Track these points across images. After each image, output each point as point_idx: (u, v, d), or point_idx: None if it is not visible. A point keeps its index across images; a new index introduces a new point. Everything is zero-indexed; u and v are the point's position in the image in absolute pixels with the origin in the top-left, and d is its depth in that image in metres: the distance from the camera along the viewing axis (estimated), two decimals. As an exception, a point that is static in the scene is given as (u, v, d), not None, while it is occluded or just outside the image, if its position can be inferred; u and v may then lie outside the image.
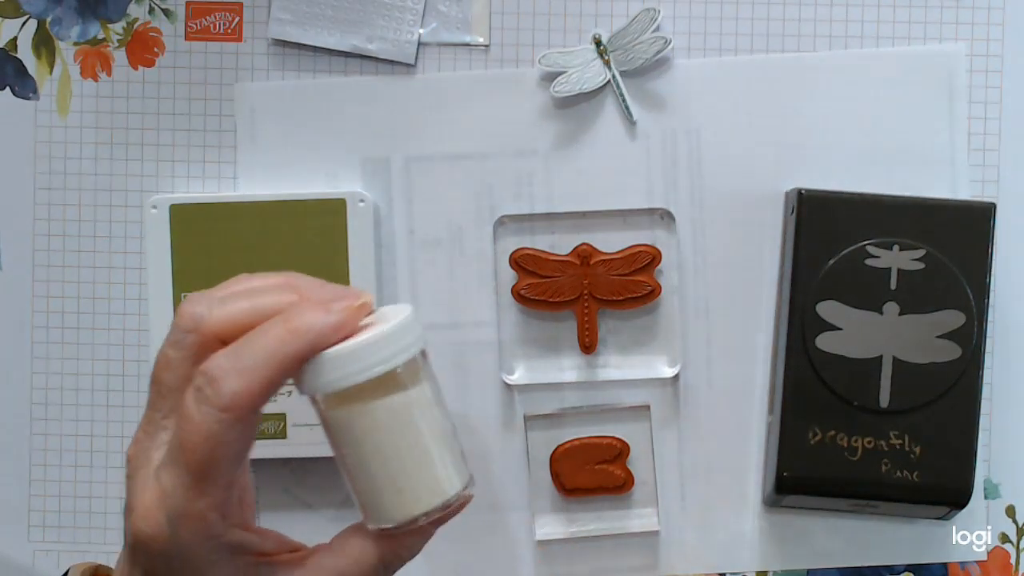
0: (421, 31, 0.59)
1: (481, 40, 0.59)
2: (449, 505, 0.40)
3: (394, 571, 0.42)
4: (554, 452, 0.58)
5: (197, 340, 0.39)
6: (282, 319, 0.39)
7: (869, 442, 0.55)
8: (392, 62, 0.59)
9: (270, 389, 0.39)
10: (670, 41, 0.57)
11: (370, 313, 0.41)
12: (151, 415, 0.40)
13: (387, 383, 0.39)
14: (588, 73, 0.58)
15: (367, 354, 0.38)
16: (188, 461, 0.38)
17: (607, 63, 0.58)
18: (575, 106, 0.59)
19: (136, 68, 0.60)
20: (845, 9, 0.59)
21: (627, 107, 0.58)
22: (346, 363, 0.38)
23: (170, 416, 0.39)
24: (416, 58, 0.59)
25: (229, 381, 0.38)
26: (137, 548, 0.40)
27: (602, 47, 0.58)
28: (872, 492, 0.55)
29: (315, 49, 0.59)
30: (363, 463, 0.40)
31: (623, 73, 0.58)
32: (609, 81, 0.58)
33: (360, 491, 0.41)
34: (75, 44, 0.60)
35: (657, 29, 0.58)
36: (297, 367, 0.39)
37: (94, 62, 0.60)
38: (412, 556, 0.42)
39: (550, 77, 0.58)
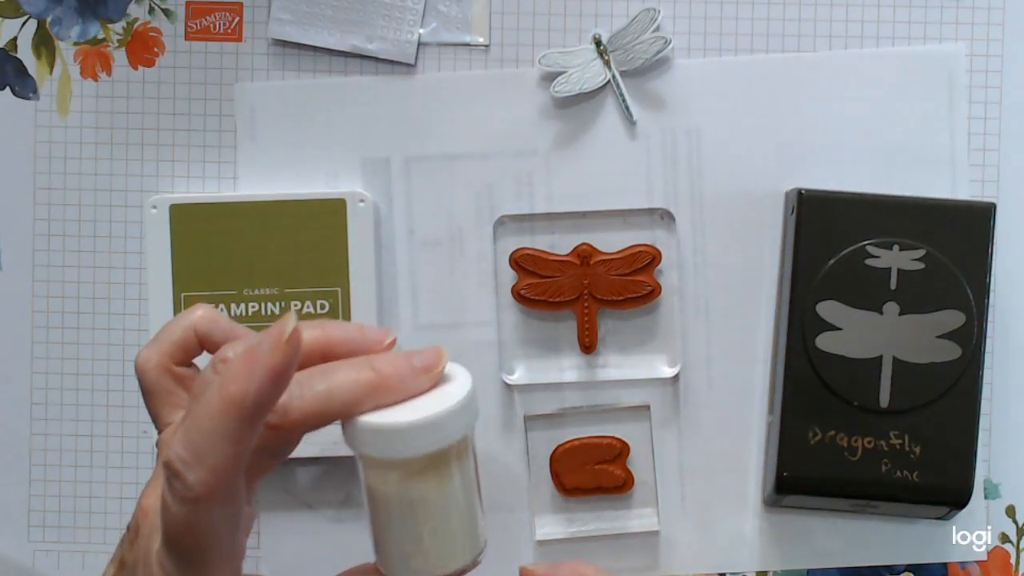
0: (421, 31, 0.59)
1: (481, 40, 0.59)
2: (464, 570, 0.41)
3: None
4: (554, 452, 0.58)
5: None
6: (218, 385, 0.35)
7: (869, 442, 0.55)
8: (392, 62, 0.59)
9: (238, 462, 0.35)
10: (670, 41, 0.57)
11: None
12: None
13: (434, 459, 0.38)
14: (588, 73, 0.58)
15: (419, 434, 0.37)
16: (179, 552, 0.36)
17: (607, 63, 0.58)
18: (575, 106, 0.59)
19: (136, 68, 0.60)
20: (845, 9, 0.59)
21: (627, 107, 0.58)
22: (394, 439, 0.37)
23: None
24: (416, 58, 0.59)
25: (191, 472, 0.35)
26: (139, 537, 0.38)
27: (602, 47, 0.58)
28: (872, 492, 0.55)
29: (315, 49, 0.59)
30: (391, 522, 0.39)
31: (623, 73, 0.58)
32: (609, 81, 0.58)
33: (381, 540, 0.40)
34: (75, 44, 0.60)
35: (657, 29, 0.58)
36: (254, 433, 0.35)
37: (94, 62, 0.60)
38: None
39: (550, 77, 0.58)
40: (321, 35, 0.59)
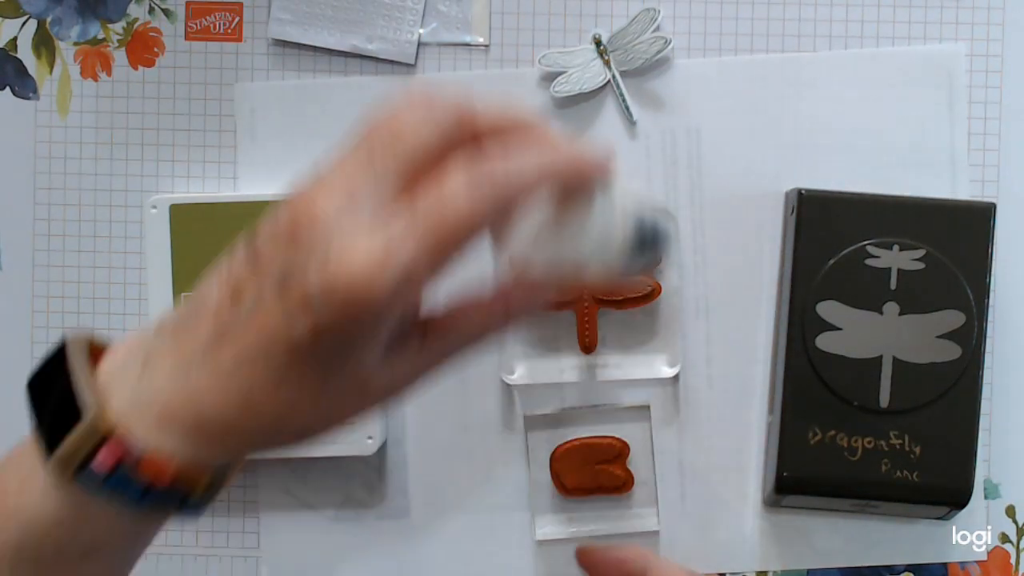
0: (421, 31, 0.59)
1: (481, 40, 0.59)
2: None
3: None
4: (554, 452, 0.58)
5: (458, 119, 0.37)
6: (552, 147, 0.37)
7: (869, 442, 0.55)
8: (392, 62, 0.59)
9: (534, 185, 0.37)
10: (670, 41, 0.57)
11: None
12: (365, 170, 0.36)
13: None
14: (588, 73, 0.58)
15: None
16: (440, 229, 0.35)
17: (607, 63, 0.58)
18: (575, 106, 0.59)
19: (136, 68, 0.60)
20: (845, 9, 0.59)
21: (627, 107, 0.58)
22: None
23: (397, 184, 0.36)
24: (416, 58, 0.59)
25: (511, 170, 0.36)
26: (329, 296, 0.35)
27: (602, 47, 0.58)
28: (872, 492, 0.55)
29: (315, 49, 0.59)
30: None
31: (623, 73, 0.58)
32: (609, 81, 0.58)
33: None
34: (75, 44, 0.60)
35: (657, 29, 0.58)
36: (546, 183, 0.37)
37: (94, 62, 0.60)
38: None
39: (550, 77, 0.58)
40: (321, 35, 0.59)
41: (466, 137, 0.37)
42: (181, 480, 0.38)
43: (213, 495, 0.41)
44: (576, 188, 0.38)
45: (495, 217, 0.37)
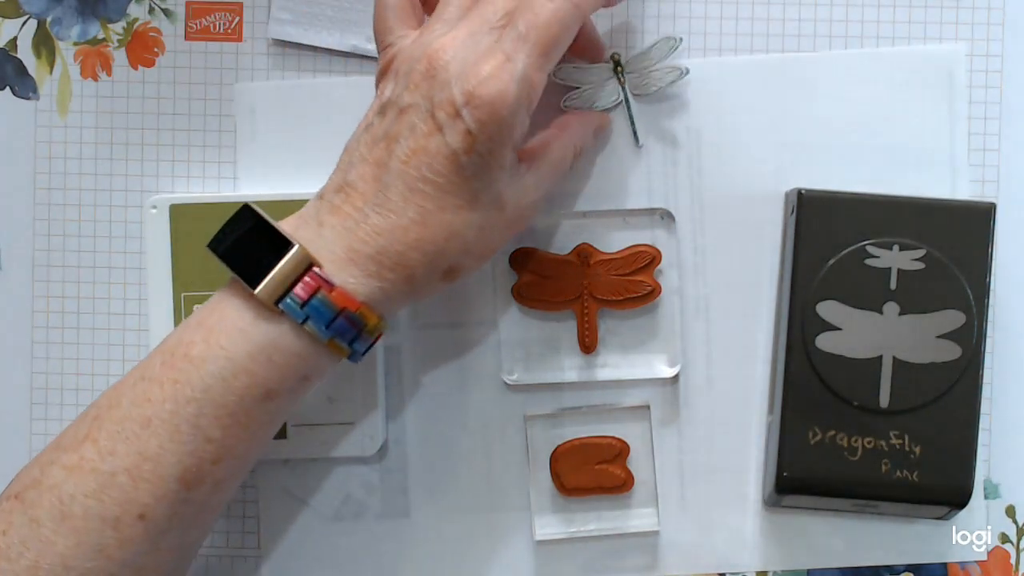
0: (421, 31, 0.59)
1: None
2: None
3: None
4: (554, 452, 0.58)
5: None
6: None
7: (869, 442, 0.55)
8: (392, 62, 0.59)
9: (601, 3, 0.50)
10: (686, 72, 0.57)
11: None
12: (471, 11, 0.48)
13: None
14: (602, 92, 0.58)
15: None
16: (539, 38, 0.47)
17: (622, 84, 0.58)
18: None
19: (136, 68, 0.60)
20: (845, 9, 0.59)
21: (635, 131, 0.58)
22: None
23: (502, 15, 0.47)
24: (416, 58, 0.59)
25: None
26: (475, 106, 0.45)
27: (619, 67, 0.58)
28: (872, 492, 0.55)
29: (315, 49, 0.59)
30: None
31: (635, 96, 0.58)
32: (621, 103, 0.58)
33: None
34: (75, 44, 0.60)
35: (676, 59, 0.58)
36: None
37: (94, 62, 0.60)
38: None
39: (559, 87, 0.58)
40: (321, 35, 0.59)
41: None
42: (363, 311, 0.46)
43: (375, 339, 0.48)
44: None
45: (578, 15, 0.48)
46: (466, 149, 0.46)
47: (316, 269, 0.46)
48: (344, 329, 0.46)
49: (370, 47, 0.58)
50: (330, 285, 0.46)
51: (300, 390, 0.48)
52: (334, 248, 0.46)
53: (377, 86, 0.50)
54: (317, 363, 0.47)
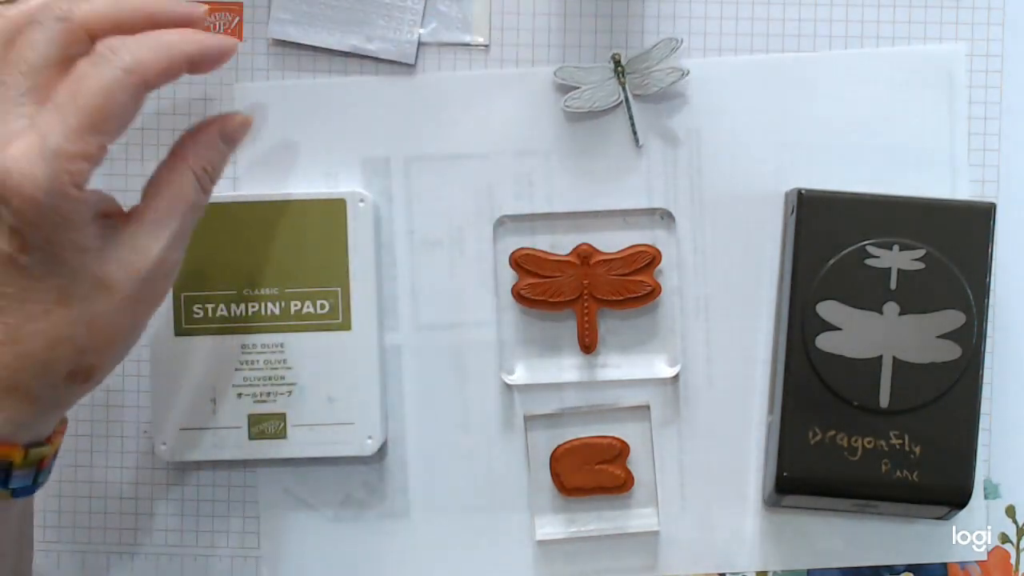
0: (421, 31, 0.59)
1: (481, 40, 0.59)
2: None
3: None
4: (554, 452, 0.58)
5: (66, 28, 0.41)
6: (177, 30, 0.44)
7: (869, 442, 0.55)
8: (392, 62, 0.59)
9: (167, 73, 0.43)
10: (686, 72, 0.57)
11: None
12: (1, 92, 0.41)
13: None
14: (601, 92, 0.58)
15: None
16: (79, 107, 0.40)
17: (622, 84, 0.58)
18: (581, 120, 0.58)
19: (136, 68, 0.59)
20: (845, 9, 0.59)
21: (635, 131, 0.58)
22: None
23: (29, 94, 0.41)
24: (416, 58, 0.59)
25: (133, 50, 0.41)
26: (6, 199, 0.40)
27: (620, 67, 0.58)
28: (872, 492, 0.55)
29: (315, 49, 0.59)
30: None
31: (635, 96, 0.58)
32: (621, 103, 0.58)
33: None
34: (75, 44, 0.59)
35: (676, 60, 0.58)
36: (184, 70, 0.44)
37: (94, 62, 0.59)
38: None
39: (552, 80, 0.58)
40: (321, 35, 0.59)
41: (85, 40, 0.42)
42: None
43: (39, 467, 0.44)
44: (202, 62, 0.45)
45: (130, 84, 0.41)
46: (20, 248, 0.40)
47: None
48: None
49: (370, 47, 0.58)
50: None
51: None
52: None
53: None
54: None
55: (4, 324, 0.41)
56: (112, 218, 0.44)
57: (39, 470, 0.44)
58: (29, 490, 0.44)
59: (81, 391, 0.44)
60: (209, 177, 0.47)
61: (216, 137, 0.48)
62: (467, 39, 0.59)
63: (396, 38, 0.59)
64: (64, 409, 0.45)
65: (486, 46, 0.59)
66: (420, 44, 0.59)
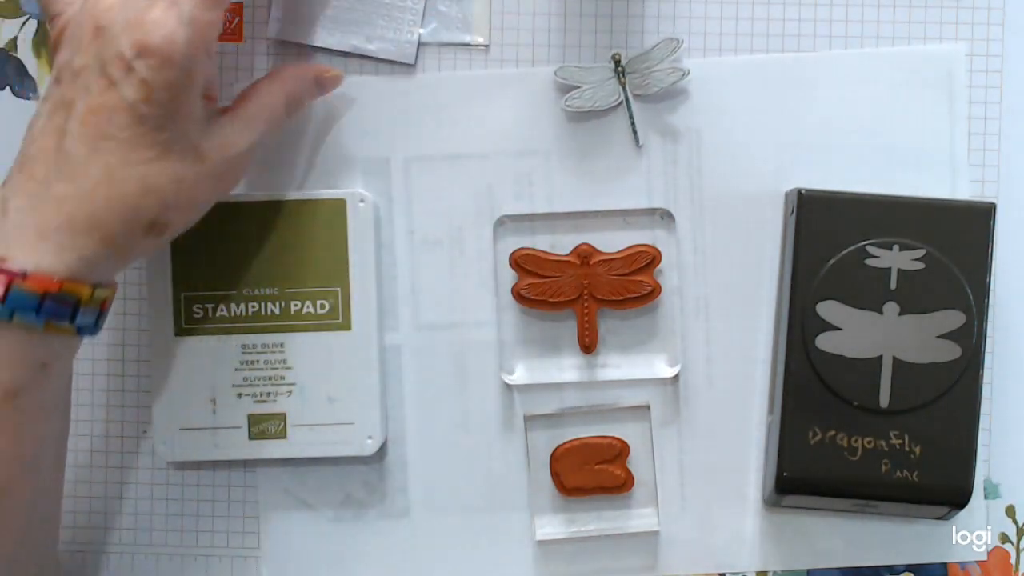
0: (421, 31, 0.59)
1: (481, 40, 0.59)
2: None
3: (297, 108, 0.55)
4: (554, 452, 0.58)
5: None
6: None
7: (869, 442, 0.55)
8: (392, 62, 0.59)
9: None
10: (687, 72, 0.57)
11: None
12: None
13: None
14: (602, 92, 0.58)
15: None
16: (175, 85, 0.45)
17: (623, 84, 0.58)
18: (582, 120, 0.58)
19: (136, 68, 0.59)
20: (845, 9, 0.59)
21: (635, 131, 0.58)
22: None
23: None
24: (416, 58, 0.59)
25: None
26: (146, 55, 0.45)
27: (620, 67, 0.58)
28: (872, 492, 0.55)
29: (315, 49, 0.59)
30: None
31: (636, 96, 0.58)
32: (621, 103, 0.58)
33: None
34: (75, 44, 0.59)
35: (677, 60, 0.58)
36: None
37: (94, 62, 0.59)
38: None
39: (552, 79, 0.58)
40: (321, 35, 0.59)
41: None
42: (67, 288, 0.45)
43: (102, 307, 0.47)
44: None
45: None
46: (144, 99, 0.45)
47: (4, 261, 0.44)
48: (56, 310, 0.45)
49: (370, 47, 0.58)
50: (22, 274, 0.44)
51: (47, 379, 0.47)
52: (23, 230, 0.45)
53: (52, 58, 0.49)
54: (47, 350, 0.46)
55: (106, 164, 0.45)
56: (212, 103, 0.50)
57: (101, 312, 0.47)
58: (91, 330, 0.47)
59: (151, 245, 0.48)
60: (295, 105, 0.54)
61: (312, 77, 0.55)
62: (467, 39, 0.59)
63: (396, 38, 0.59)
64: (130, 260, 0.48)
65: (486, 46, 0.59)
66: (420, 44, 0.59)
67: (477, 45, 0.59)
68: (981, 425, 0.55)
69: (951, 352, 0.55)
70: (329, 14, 0.58)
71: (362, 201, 0.57)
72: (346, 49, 0.59)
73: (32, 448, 0.47)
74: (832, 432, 0.55)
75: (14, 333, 0.45)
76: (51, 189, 0.45)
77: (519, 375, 0.59)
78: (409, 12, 0.59)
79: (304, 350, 0.57)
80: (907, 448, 0.55)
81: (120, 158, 0.45)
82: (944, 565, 0.59)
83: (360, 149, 0.59)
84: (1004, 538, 0.59)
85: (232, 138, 0.49)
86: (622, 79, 0.58)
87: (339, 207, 0.57)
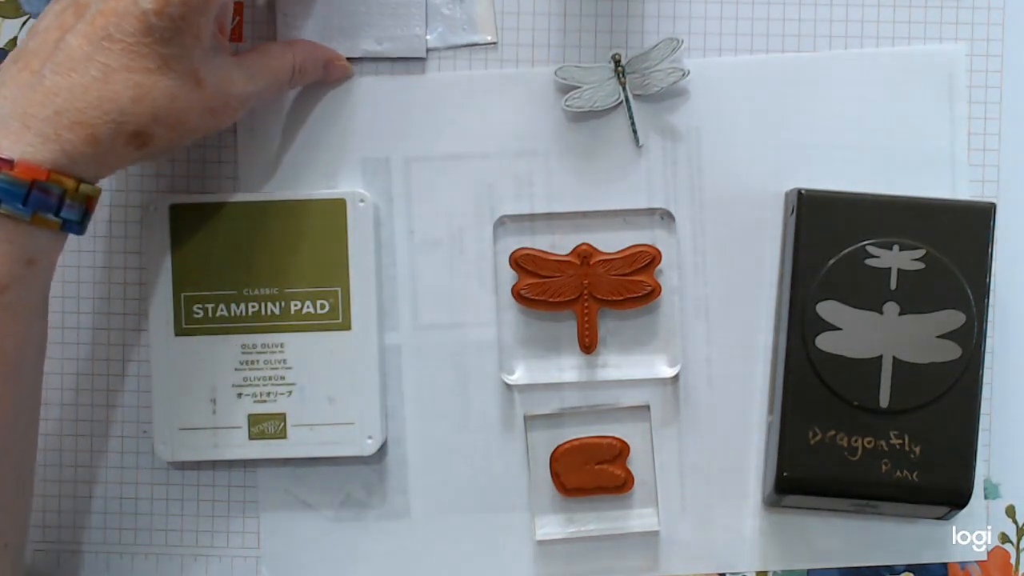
0: (428, 37, 0.59)
1: (489, 38, 0.59)
2: None
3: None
4: (554, 452, 0.58)
5: None
6: None
7: (869, 442, 0.55)
8: (393, 60, 0.59)
9: None
10: (687, 72, 0.57)
11: None
12: None
13: None
14: (602, 92, 0.58)
15: None
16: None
17: (623, 84, 0.58)
18: (583, 120, 0.58)
19: (136, 68, 0.59)
20: (845, 9, 0.59)
21: (635, 131, 0.58)
22: None
23: None
24: (427, 51, 0.59)
25: None
26: (156, 13, 0.45)
27: (620, 67, 0.58)
28: (872, 492, 0.55)
29: (317, 50, 0.59)
30: None
31: (636, 96, 0.58)
32: (621, 103, 0.58)
33: None
34: (75, 44, 0.59)
35: (677, 60, 0.58)
36: None
37: (94, 62, 0.59)
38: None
39: (553, 79, 0.58)
40: (323, 36, 0.58)
41: None
42: (54, 177, 0.45)
43: (86, 205, 0.47)
44: None
45: None
46: (157, 10, 0.45)
47: None
48: (43, 201, 0.45)
49: (379, 48, 0.58)
50: (9, 162, 0.44)
51: (33, 276, 0.47)
52: (9, 118, 0.45)
53: None
54: (35, 244, 0.46)
55: (105, 65, 0.45)
56: (222, 38, 0.51)
57: (86, 211, 0.47)
58: (76, 227, 0.47)
59: (133, 155, 0.48)
60: (300, 76, 0.55)
61: (322, 57, 0.57)
62: (475, 39, 0.59)
63: (404, 35, 0.58)
64: (110, 166, 0.48)
65: (494, 43, 0.59)
66: (427, 48, 0.59)
67: (485, 44, 0.59)
68: (981, 425, 0.55)
69: (951, 352, 0.55)
70: (335, 23, 0.58)
71: (362, 201, 0.57)
72: (358, 55, 0.58)
73: (15, 350, 0.47)
74: (832, 432, 0.55)
75: (1, 224, 0.45)
76: (44, 81, 0.45)
77: (519, 375, 0.59)
78: (414, 6, 0.58)
79: (304, 350, 0.57)
80: (907, 448, 0.55)
81: (120, 62, 0.45)
82: (944, 565, 0.59)
83: (360, 149, 0.59)
84: (1004, 538, 0.59)
85: (233, 78, 0.50)
86: (622, 79, 0.58)
87: (339, 207, 0.57)
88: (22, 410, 0.49)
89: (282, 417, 0.57)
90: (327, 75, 0.57)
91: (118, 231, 0.59)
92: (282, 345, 0.57)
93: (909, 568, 0.59)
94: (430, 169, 0.59)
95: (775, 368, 0.58)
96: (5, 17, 0.60)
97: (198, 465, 0.59)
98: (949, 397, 0.55)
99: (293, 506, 0.59)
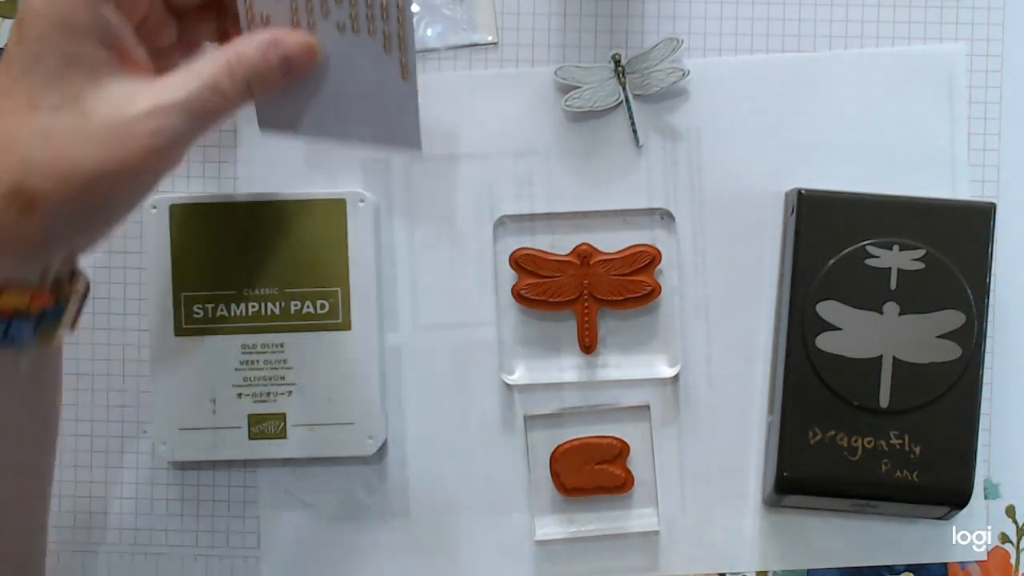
0: (428, 34, 0.59)
1: (490, 38, 0.59)
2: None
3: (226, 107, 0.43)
4: (554, 452, 0.58)
5: None
6: None
7: (869, 442, 0.55)
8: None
9: None
10: (687, 72, 0.57)
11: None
12: None
13: None
14: (602, 92, 0.58)
15: None
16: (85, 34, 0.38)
17: (623, 84, 0.58)
18: (583, 120, 0.58)
19: (136, 68, 0.59)
20: (845, 9, 0.59)
21: (635, 131, 0.58)
22: None
23: None
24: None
25: None
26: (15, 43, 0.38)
27: (620, 67, 0.58)
28: (872, 492, 0.55)
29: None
30: None
31: (636, 96, 0.58)
32: (621, 103, 0.58)
33: None
34: (75, 44, 0.59)
35: (677, 60, 0.58)
36: None
37: (94, 62, 0.59)
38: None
39: (553, 80, 0.58)
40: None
41: None
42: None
43: (12, 317, 0.39)
44: None
45: None
46: (16, 40, 0.38)
47: None
48: None
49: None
50: None
51: (12, 400, 0.42)
52: None
53: None
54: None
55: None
56: (128, 63, 0.41)
57: (17, 320, 0.39)
58: (23, 339, 0.39)
59: (20, 227, 0.38)
60: (240, 70, 0.42)
61: (267, 43, 0.43)
62: (475, 39, 0.59)
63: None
64: (9, 250, 0.39)
65: (494, 43, 0.59)
66: (427, 49, 0.59)
67: (486, 44, 0.59)
68: (981, 425, 0.55)
69: (951, 352, 0.55)
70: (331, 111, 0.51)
71: (362, 201, 0.57)
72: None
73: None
74: (832, 432, 0.55)
75: None
76: None
77: (519, 375, 0.59)
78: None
79: (304, 350, 0.57)
80: (907, 448, 0.55)
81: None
82: (944, 565, 0.59)
83: (360, 149, 0.59)
84: (1004, 538, 0.59)
85: (132, 97, 0.39)
86: (622, 79, 0.58)
87: (339, 207, 0.57)
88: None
89: (282, 417, 0.57)
90: (288, 76, 0.45)
91: (118, 231, 0.59)
92: (282, 345, 0.57)
93: (909, 568, 0.59)
94: (430, 169, 0.59)
95: (775, 368, 0.58)
96: (5, 17, 0.60)
97: (198, 465, 0.59)
98: (949, 397, 0.55)
99: (293, 506, 0.59)
